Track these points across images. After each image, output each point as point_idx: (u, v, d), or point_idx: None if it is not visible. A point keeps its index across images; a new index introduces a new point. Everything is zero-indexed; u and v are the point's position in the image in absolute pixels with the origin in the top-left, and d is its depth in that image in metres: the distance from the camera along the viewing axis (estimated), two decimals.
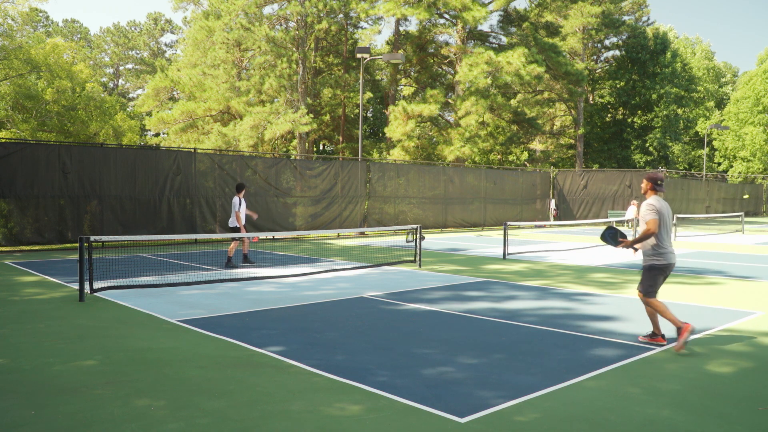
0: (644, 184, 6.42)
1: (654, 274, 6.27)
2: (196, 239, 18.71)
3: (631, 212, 26.00)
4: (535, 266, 13.14)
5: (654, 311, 6.30)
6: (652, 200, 6.23)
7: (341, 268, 12.24)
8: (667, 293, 9.60)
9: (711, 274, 11.96)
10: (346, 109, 39.45)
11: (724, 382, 5.12)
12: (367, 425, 4.09)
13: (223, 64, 35.00)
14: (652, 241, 6.20)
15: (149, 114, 40.64)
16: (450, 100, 35.84)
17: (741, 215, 26.61)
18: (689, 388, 4.94)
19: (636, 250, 6.48)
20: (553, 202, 32.00)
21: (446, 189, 26.41)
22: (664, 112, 46.36)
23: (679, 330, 6.07)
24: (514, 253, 15.60)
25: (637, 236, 6.29)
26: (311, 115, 31.76)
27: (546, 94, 43.24)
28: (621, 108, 49.51)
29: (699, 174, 43.46)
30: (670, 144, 47.09)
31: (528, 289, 9.94)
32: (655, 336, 6.36)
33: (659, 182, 6.30)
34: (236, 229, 12.54)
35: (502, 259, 14.49)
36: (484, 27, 72.06)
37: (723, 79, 66.51)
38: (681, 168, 49.18)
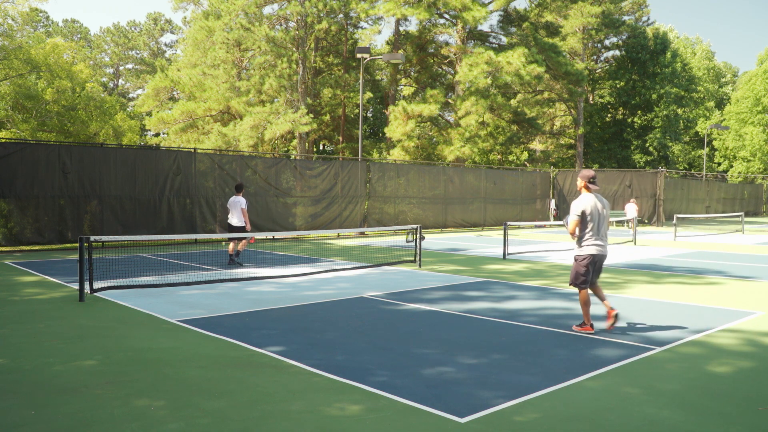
0: (579, 182, 6.86)
1: (576, 265, 6.80)
2: (196, 239, 18.71)
3: (631, 211, 26.08)
4: (535, 266, 13.14)
5: (582, 301, 6.81)
6: (581, 199, 6.75)
7: (341, 268, 12.24)
8: (668, 293, 9.61)
9: (711, 274, 11.96)
10: (346, 109, 39.45)
11: (724, 382, 5.12)
12: (367, 425, 4.09)
13: (223, 64, 35.00)
14: (584, 235, 6.74)
15: (149, 114, 40.63)
16: (450, 100, 35.84)
17: (741, 215, 26.62)
18: (689, 388, 4.94)
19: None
20: (553, 202, 32.00)
21: (446, 189, 26.41)
22: (664, 112, 46.36)
23: (584, 325, 6.82)
24: (514, 253, 15.60)
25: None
26: (311, 115, 31.76)
27: (546, 94, 43.23)
28: (621, 108, 49.50)
29: (699, 174, 43.46)
30: (670, 144, 47.10)
31: (528, 289, 9.94)
32: (585, 324, 6.80)
33: (592, 179, 6.76)
34: (243, 228, 12.79)
35: (502, 259, 14.49)
36: (484, 27, 72.07)
37: (723, 79, 66.51)
38: (681, 168, 49.18)
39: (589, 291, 6.85)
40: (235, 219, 12.86)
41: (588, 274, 6.74)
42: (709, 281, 11.02)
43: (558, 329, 6.99)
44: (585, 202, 6.67)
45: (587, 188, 6.75)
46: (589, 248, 6.69)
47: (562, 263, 13.77)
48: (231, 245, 13.16)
